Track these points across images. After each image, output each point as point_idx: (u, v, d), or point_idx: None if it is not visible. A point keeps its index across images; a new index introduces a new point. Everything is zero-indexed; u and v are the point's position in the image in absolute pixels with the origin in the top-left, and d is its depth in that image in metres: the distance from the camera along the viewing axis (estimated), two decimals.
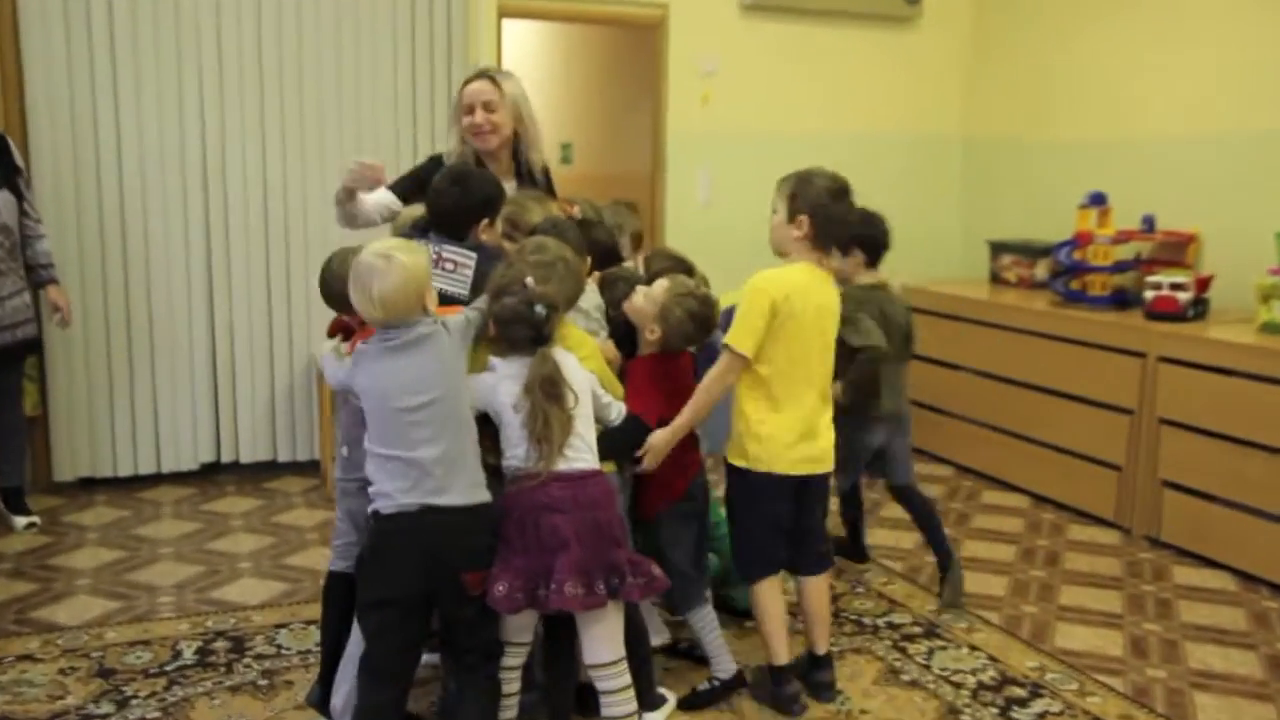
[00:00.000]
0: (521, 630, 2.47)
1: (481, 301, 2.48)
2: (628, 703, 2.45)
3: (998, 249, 5.55)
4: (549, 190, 3.30)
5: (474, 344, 2.47)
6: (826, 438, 2.83)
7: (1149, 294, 4.31)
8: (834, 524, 3.89)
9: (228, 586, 3.64)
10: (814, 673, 2.93)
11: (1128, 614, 3.50)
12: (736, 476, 2.83)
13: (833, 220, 2.76)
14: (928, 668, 3.10)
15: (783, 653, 2.85)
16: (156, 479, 4.71)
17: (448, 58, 4.86)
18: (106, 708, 2.80)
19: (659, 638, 3.03)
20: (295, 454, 4.92)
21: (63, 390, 4.51)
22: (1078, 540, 4.20)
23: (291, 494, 4.64)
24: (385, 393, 2.30)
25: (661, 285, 2.75)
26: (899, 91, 5.82)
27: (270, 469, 4.90)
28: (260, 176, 4.67)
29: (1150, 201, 4.78)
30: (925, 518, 3.58)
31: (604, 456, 2.51)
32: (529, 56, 6.91)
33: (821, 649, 2.93)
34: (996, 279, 5.53)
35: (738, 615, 3.30)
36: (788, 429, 2.75)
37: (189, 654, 3.12)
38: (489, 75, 3.18)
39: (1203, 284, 4.32)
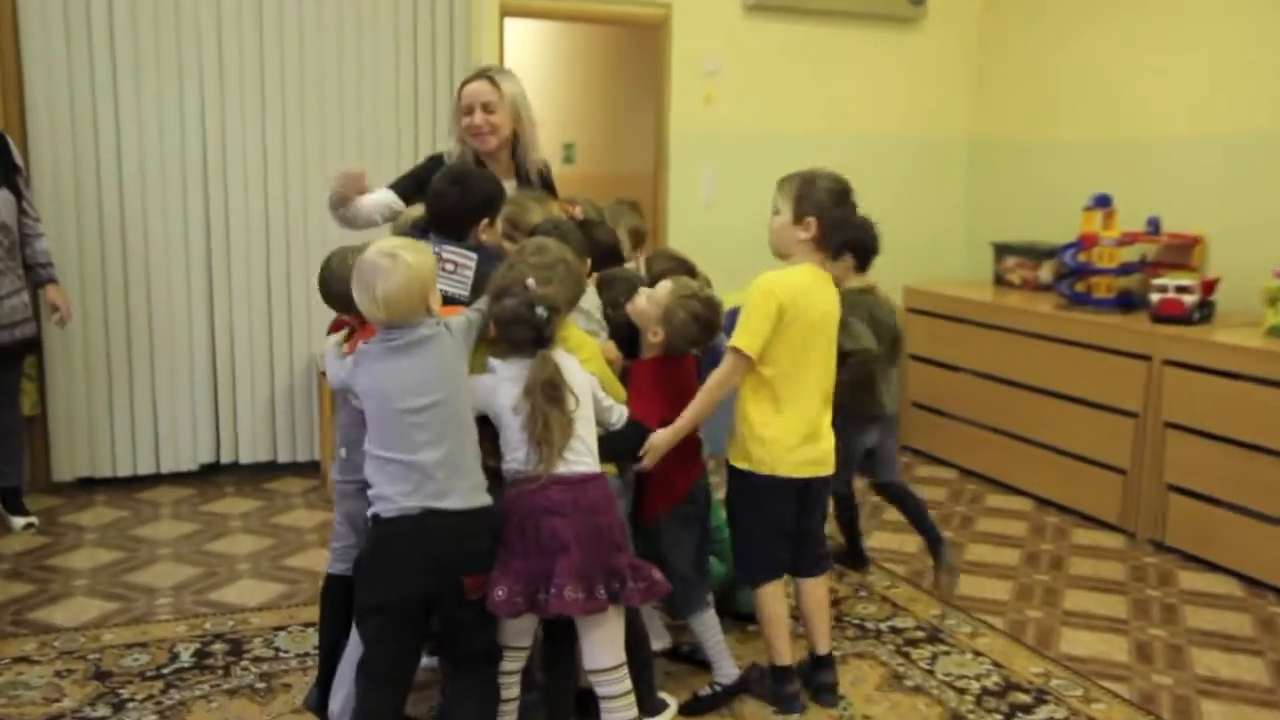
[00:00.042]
0: (520, 634, 2.45)
1: (482, 303, 2.45)
2: (628, 708, 2.43)
3: (1002, 251, 5.52)
4: (549, 189, 3.28)
5: (474, 345, 2.44)
6: (828, 440, 2.81)
7: (1154, 297, 4.28)
8: (830, 529, 3.88)
9: (226, 588, 3.62)
10: (816, 674, 2.91)
11: (1133, 619, 3.48)
12: (739, 479, 2.80)
13: (837, 222, 2.74)
14: (931, 673, 3.07)
15: (785, 653, 2.84)
16: (156, 479, 4.69)
17: (449, 57, 4.84)
18: (103, 711, 2.78)
19: (660, 642, 3.01)
20: (295, 455, 4.89)
21: (61, 390, 4.49)
22: (1082, 544, 4.17)
23: (291, 495, 4.61)
24: (386, 394, 2.27)
25: (665, 287, 2.72)
26: (903, 92, 5.79)
27: (270, 470, 4.88)
28: (261, 176, 4.65)
29: (1155, 203, 4.75)
30: (912, 508, 3.66)
31: (604, 459, 2.49)
32: (531, 56, 6.89)
33: (823, 649, 2.92)
34: (1000, 281, 5.50)
35: (740, 619, 3.27)
36: (791, 431, 2.73)
37: (186, 656, 3.09)
38: (488, 75, 3.15)
39: (1208, 287, 4.29)
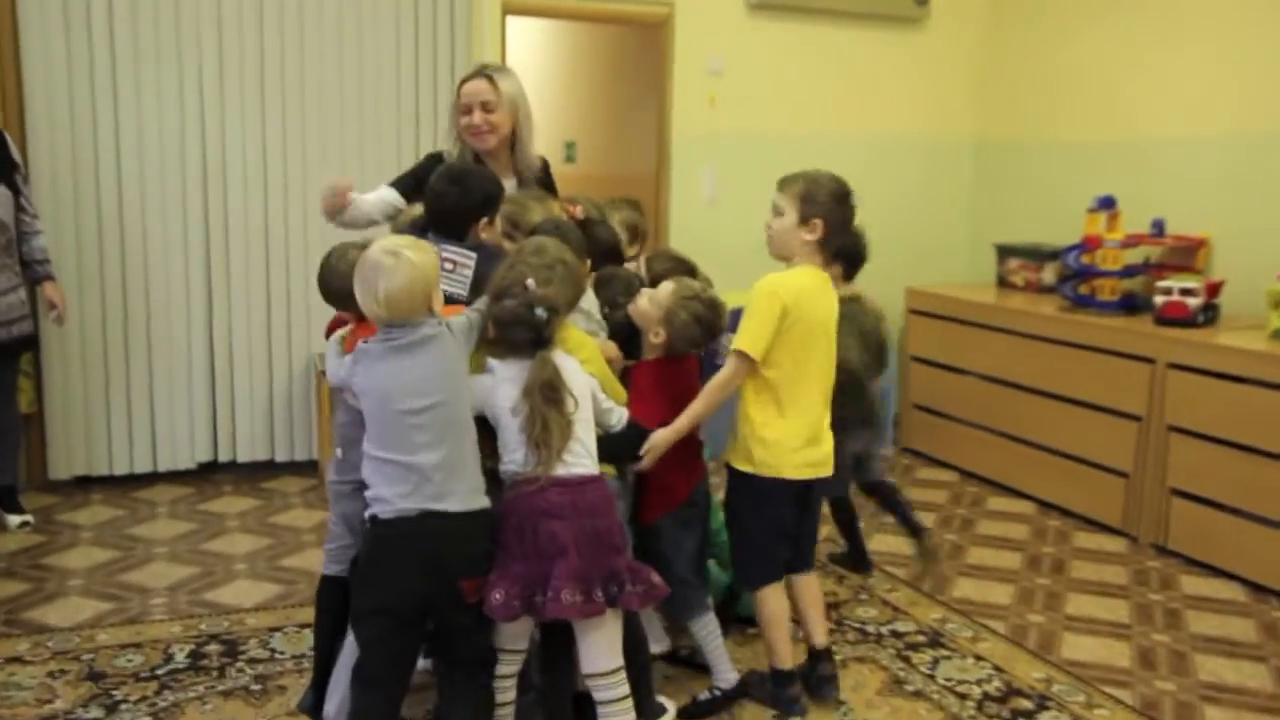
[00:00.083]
0: (517, 637, 2.42)
1: (482, 303, 2.43)
2: (626, 713, 2.40)
3: (1005, 252, 5.49)
4: (548, 187, 3.25)
5: (474, 346, 2.42)
6: (829, 441, 2.80)
7: (1159, 299, 4.25)
8: (829, 531, 3.86)
9: (222, 588, 3.59)
10: (817, 667, 2.91)
11: (1135, 624, 3.45)
12: (741, 481, 2.77)
13: (840, 225, 2.72)
14: (932, 678, 3.04)
15: (786, 657, 2.81)
16: (153, 478, 4.67)
17: (451, 55, 4.82)
18: (96, 712, 2.75)
19: (659, 645, 2.98)
20: (293, 454, 4.87)
21: (59, 387, 4.47)
22: (1084, 548, 4.15)
23: (289, 494, 4.59)
24: (386, 394, 2.25)
25: (667, 288, 2.70)
26: (906, 92, 5.77)
27: (268, 469, 4.85)
28: (260, 175, 4.63)
29: (1160, 205, 4.73)
30: (893, 500, 3.72)
31: (603, 460, 2.47)
32: (533, 54, 6.86)
33: (821, 642, 2.91)
34: (1003, 283, 5.48)
35: (740, 622, 3.24)
36: (794, 433, 2.71)
37: (181, 657, 3.07)
38: (486, 74, 3.13)
39: (1213, 289, 4.27)
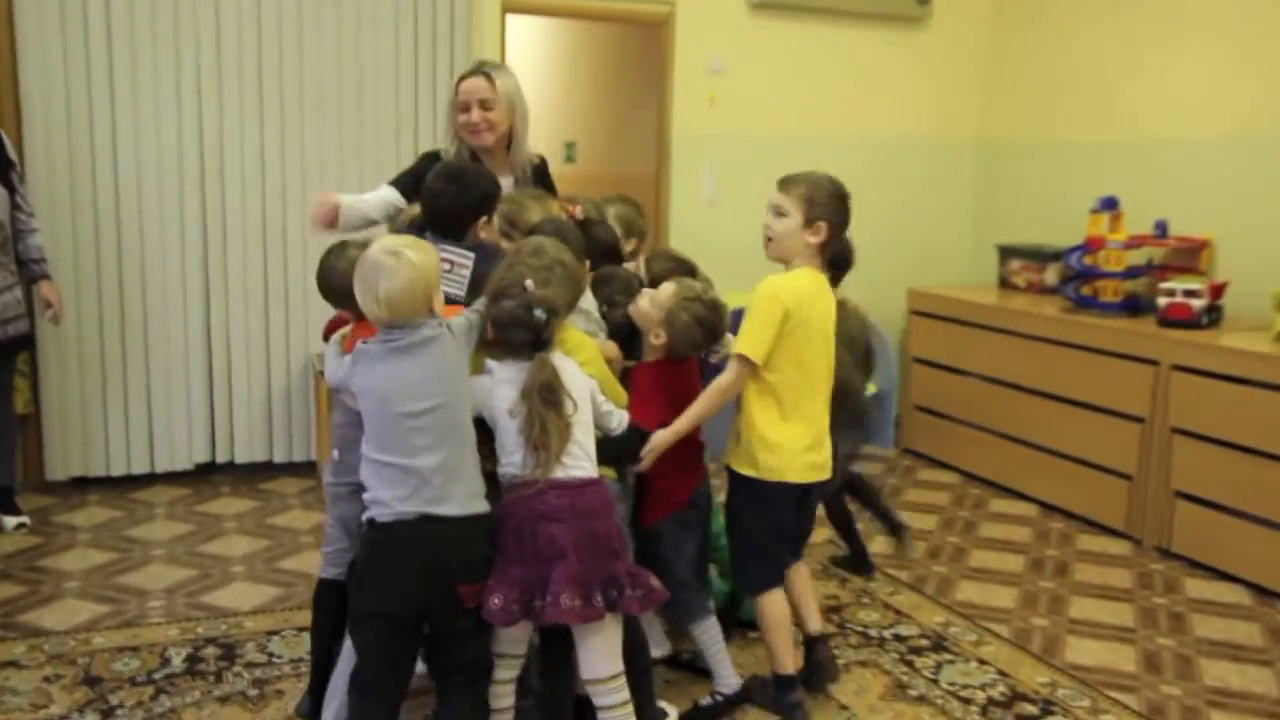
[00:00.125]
0: (515, 642, 2.40)
1: (481, 304, 2.40)
2: (626, 718, 2.37)
3: (1007, 253, 5.47)
4: (546, 185, 3.22)
5: (473, 347, 2.39)
6: (829, 444, 2.78)
7: (1162, 300, 4.23)
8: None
9: (219, 591, 3.56)
10: (814, 653, 2.93)
11: (1140, 628, 3.42)
12: (743, 485, 2.75)
13: (840, 227, 2.71)
14: (935, 682, 3.02)
15: (788, 661, 2.79)
16: (150, 479, 4.64)
17: (450, 54, 4.79)
18: (91, 718, 2.72)
19: (659, 650, 2.95)
20: (291, 455, 4.84)
21: (55, 387, 4.44)
22: (1087, 550, 4.12)
23: (287, 495, 4.56)
24: (386, 396, 2.22)
25: (668, 289, 2.67)
26: (908, 92, 5.74)
27: (266, 470, 4.82)
28: (258, 173, 4.60)
29: (1163, 206, 4.70)
30: (870, 495, 3.81)
31: (603, 462, 2.44)
32: (533, 53, 6.84)
33: (816, 628, 2.95)
34: (1005, 284, 5.45)
35: (741, 626, 3.22)
36: (797, 437, 2.69)
37: (178, 661, 3.04)
38: (484, 71, 3.10)
39: (1217, 291, 4.24)
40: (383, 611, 2.22)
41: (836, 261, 3.34)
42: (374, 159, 4.68)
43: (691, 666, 2.99)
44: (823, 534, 3.97)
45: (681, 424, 2.64)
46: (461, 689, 2.31)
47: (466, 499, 2.24)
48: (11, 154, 3.95)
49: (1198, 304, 4.14)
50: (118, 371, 4.52)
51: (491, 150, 3.11)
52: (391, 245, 2.23)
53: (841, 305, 3.35)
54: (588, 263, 2.70)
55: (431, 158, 3.07)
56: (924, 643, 3.27)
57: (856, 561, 3.82)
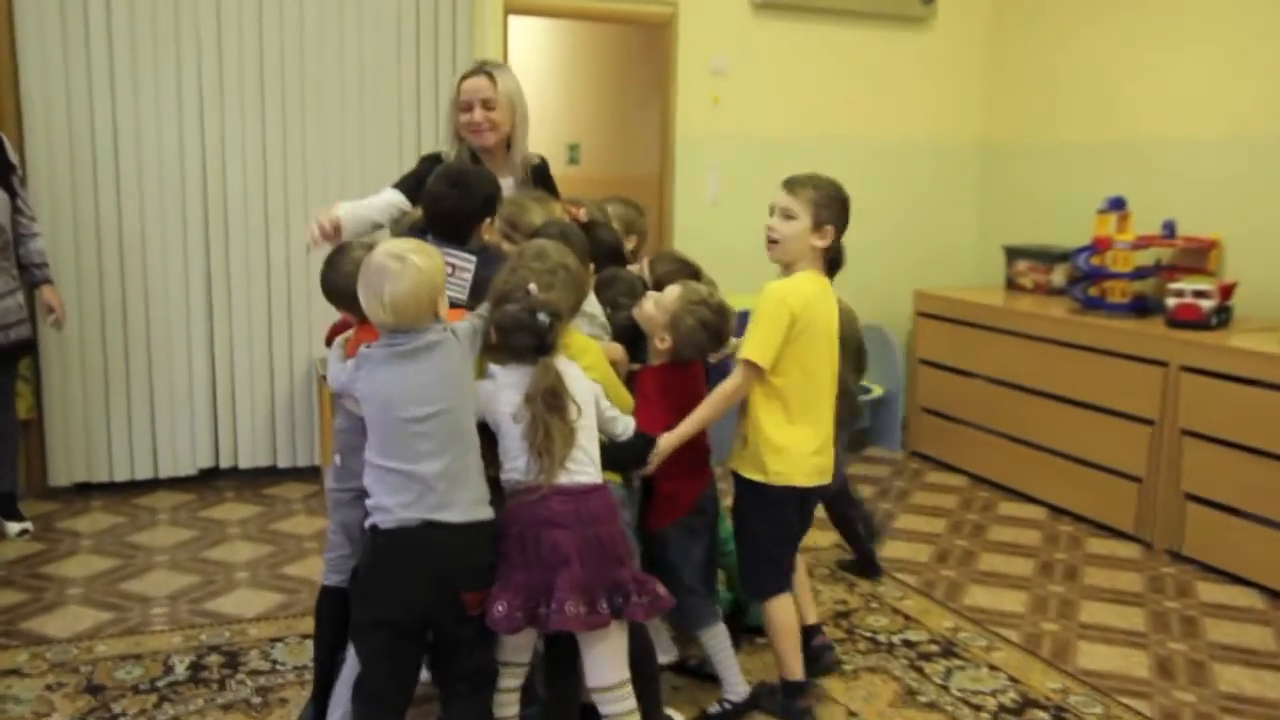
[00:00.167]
0: (520, 650, 2.37)
1: (484, 308, 2.38)
2: None
3: (1013, 254, 5.43)
4: (547, 186, 3.19)
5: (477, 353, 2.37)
6: (832, 447, 2.77)
7: (1171, 301, 4.19)
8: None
9: (223, 597, 3.54)
10: (811, 641, 2.96)
11: (1152, 633, 3.39)
12: (752, 491, 2.72)
13: (842, 230, 2.70)
14: (946, 688, 2.98)
15: (797, 667, 2.76)
16: (154, 484, 4.62)
17: (452, 55, 4.76)
18: None
19: (666, 656, 2.92)
20: (295, 459, 4.82)
21: (58, 393, 4.42)
22: (1097, 554, 4.08)
23: (291, 500, 4.53)
24: (389, 401, 2.20)
25: (673, 292, 2.64)
26: (913, 93, 5.71)
27: (270, 475, 4.80)
28: (261, 176, 4.58)
29: (1170, 206, 4.67)
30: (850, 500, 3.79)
31: (609, 468, 2.42)
32: (535, 55, 6.81)
33: (812, 619, 3.04)
34: (1012, 285, 5.42)
35: (748, 632, 3.18)
36: (804, 440, 2.68)
37: (181, 669, 3.01)
38: (486, 71, 3.07)
39: (1226, 291, 4.20)
40: (386, 619, 2.20)
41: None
42: (376, 161, 4.66)
43: (699, 673, 2.96)
44: (830, 537, 3.94)
45: (686, 428, 2.61)
46: (466, 697, 2.28)
47: (470, 505, 2.21)
48: (12, 157, 3.93)
49: (1207, 305, 4.11)
50: (120, 376, 4.50)
51: (492, 151, 3.08)
52: (396, 249, 2.20)
53: None
54: (592, 266, 2.67)
55: (432, 160, 3.04)
56: (933, 648, 3.23)
57: (863, 565, 3.79)
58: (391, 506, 2.18)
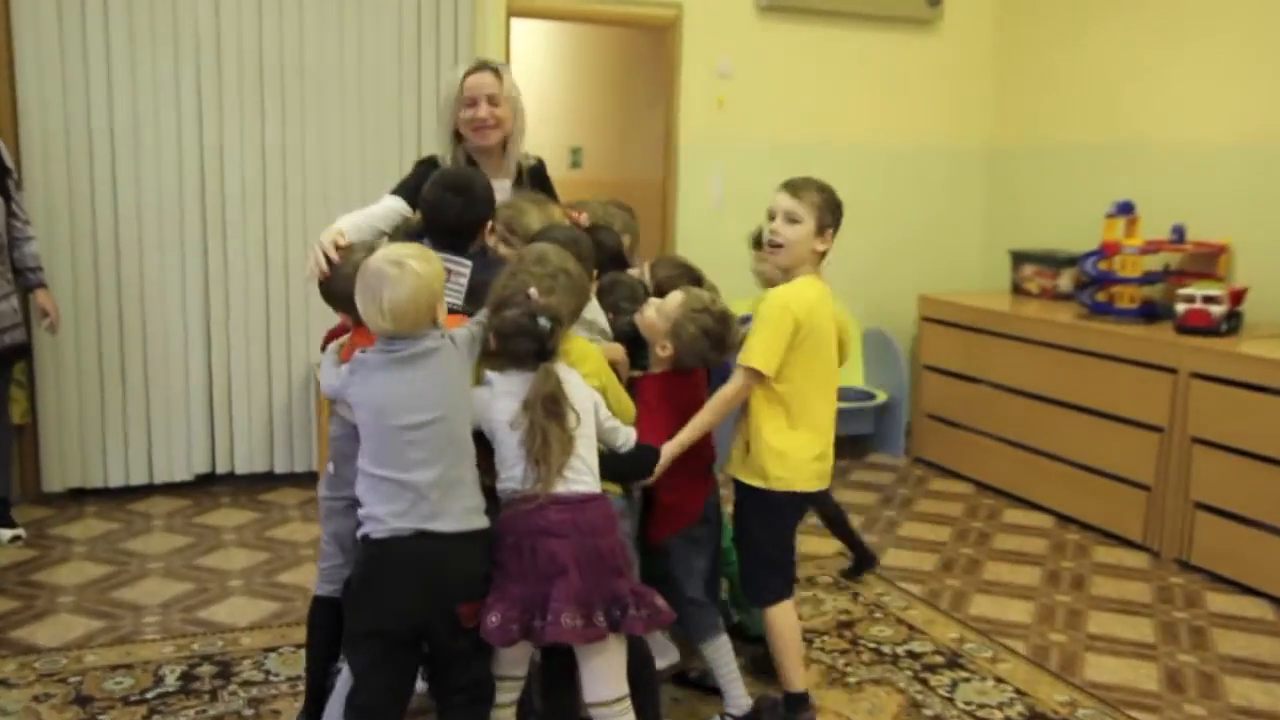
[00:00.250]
0: (515, 663, 2.31)
1: (483, 315, 2.33)
2: None
3: (1020, 259, 5.38)
4: (545, 188, 3.13)
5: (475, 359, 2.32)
6: (832, 452, 2.74)
7: (1181, 307, 4.13)
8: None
9: (216, 606, 3.48)
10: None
11: (1161, 644, 3.32)
12: (752, 496, 2.68)
13: (836, 235, 2.67)
14: (951, 701, 2.92)
15: (799, 678, 2.71)
16: (149, 490, 4.57)
17: (454, 58, 4.70)
18: None
19: (664, 659, 2.84)
20: (293, 465, 4.76)
21: (52, 398, 4.37)
22: (1104, 563, 4.02)
23: (288, 507, 4.48)
24: (382, 408, 2.15)
25: (675, 299, 2.59)
26: (919, 96, 5.65)
27: (266, 480, 4.75)
28: (259, 179, 4.53)
29: (1178, 211, 4.61)
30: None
31: (611, 479, 2.36)
32: (538, 57, 6.77)
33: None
34: (1018, 290, 5.36)
35: (749, 642, 3.12)
36: (806, 446, 2.65)
37: (172, 680, 2.96)
38: (492, 67, 3.02)
39: (1236, 297, 4.14)
40: (379, 630, 2.15)
41: None
42: (376, 165, 4.61)
43: (700, 685, 2.91)
44: (834, 545, 3.89)
45: (687, 435, 2.57)
46: (462, 710, 2.23)
47: (464, 515, 2.16)
48: (8, 161, 3.90)
49: (1217, 310, 4.05)
50: (116, 381, 4.45)
51: (489, 150, 3.03)
52: (395, 254, 2.16)
53: None
54: (595, 271, 2.62)
55: (429, 164, 2.98)
56: (939, 659, 3.17)
57: (860, 560, 3.74)
58: (384, 516, 2.13)
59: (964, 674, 3.08)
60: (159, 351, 4.48)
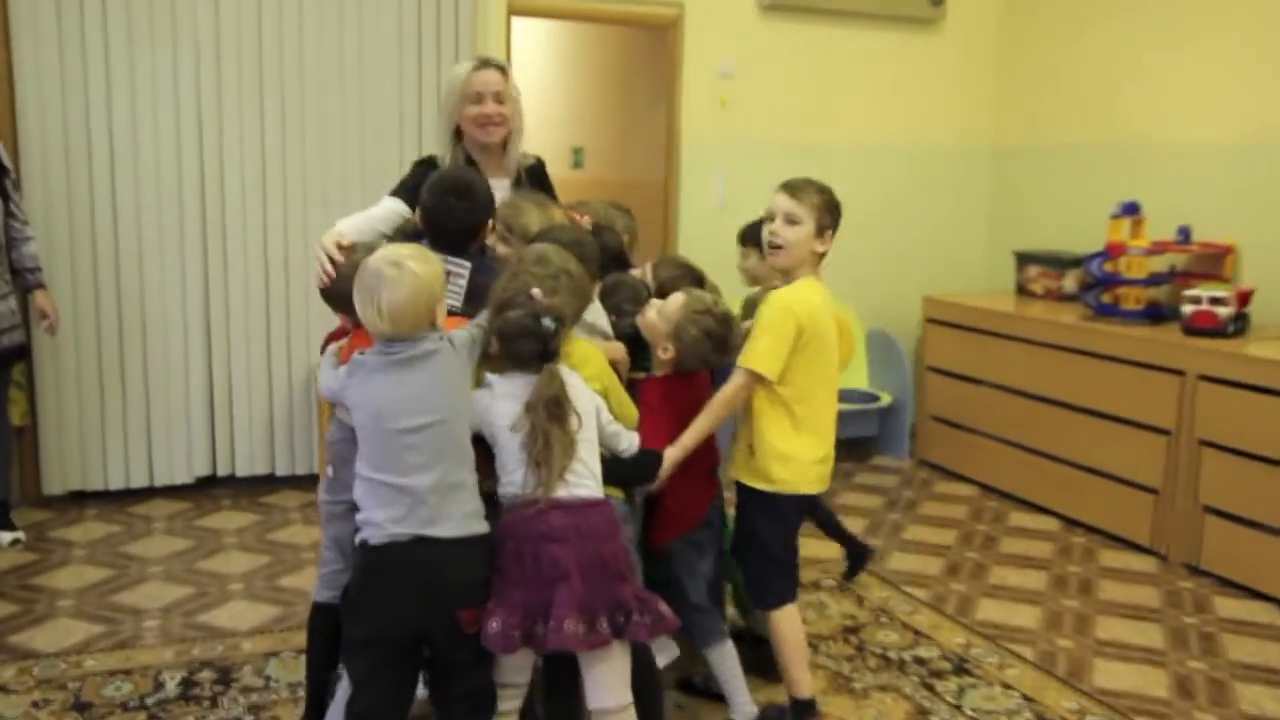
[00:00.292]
0: (517, 670, 2.28)
1: (483, 317, 2.30)
2: None
3: (1024, 260, 5.34)
4: (543, 186, 3.10)
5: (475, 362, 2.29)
6: (833, 454, 2.73)
7: (1188, 308, 4.10)
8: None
9: (217, 610, 3.46)
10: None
11: (1170, 650, 3.29)
12: (757, 499, 2.65)
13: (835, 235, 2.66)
14: (959, 708, 2.89)
15: (804, 684, 2.68)
16: (149, 492, 4.54)
17: (455, 58, 4.67)
18: None
19: (665, 656, 2.79)
20: (294, 467, 4.74)
21: (52, 399, 4.34)
22: (1111, 567, 3.99)
23: (289, 509, 4.45)
24: (380, 411, 2.12)
25: (677, 300, 2.56)
26: (922, 95, 5.62)
27: (268, 483, 4.72)
28: (259, 180, 4.50)
29: (1185, 211, 4.58)
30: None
31: (613, 484, 2.33)
32: (538, 57, 6.75)
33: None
34: (1023, 291, 5.33)
35: (753, 642, 3.08)
36: (809, 448, 2.63)
37: (172, 686, 2.93)
38: (499, 65, 2.99)
39: (1243, 298, 4.11)
40: (377, 637, 2.12)
41: None
42: (377, 165, 4.58)
43: (706, 692, 2.87)
44: (838, 549, 3.85)
45: (689, 438, 2.54)
46: (463, 718, 2.20)
47: (464, 520, 2.13)
48: (6, 161, 3.87)
49: (1224, 312, 4.02)
50: (116, 382, 4.42)
51: (491, 149, 3.00)
52: (393, 256, 2.13)
53: None
54: (598, 273, 2.60)
55: (427, 165, 2.95)
56: (945, 665, 3.14)
57: (855, 558, 3.71)
58: (382, 521, 2.10)
59: (971, 680, 3.05)
60: (159, 353, 4.46)
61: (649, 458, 2.44)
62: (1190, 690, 3.03)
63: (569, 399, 2.21)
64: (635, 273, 2.96)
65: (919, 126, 5.64)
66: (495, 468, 2.23)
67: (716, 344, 2.55)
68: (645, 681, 2.40)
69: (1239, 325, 4.07)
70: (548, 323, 2.19)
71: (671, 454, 2.51)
